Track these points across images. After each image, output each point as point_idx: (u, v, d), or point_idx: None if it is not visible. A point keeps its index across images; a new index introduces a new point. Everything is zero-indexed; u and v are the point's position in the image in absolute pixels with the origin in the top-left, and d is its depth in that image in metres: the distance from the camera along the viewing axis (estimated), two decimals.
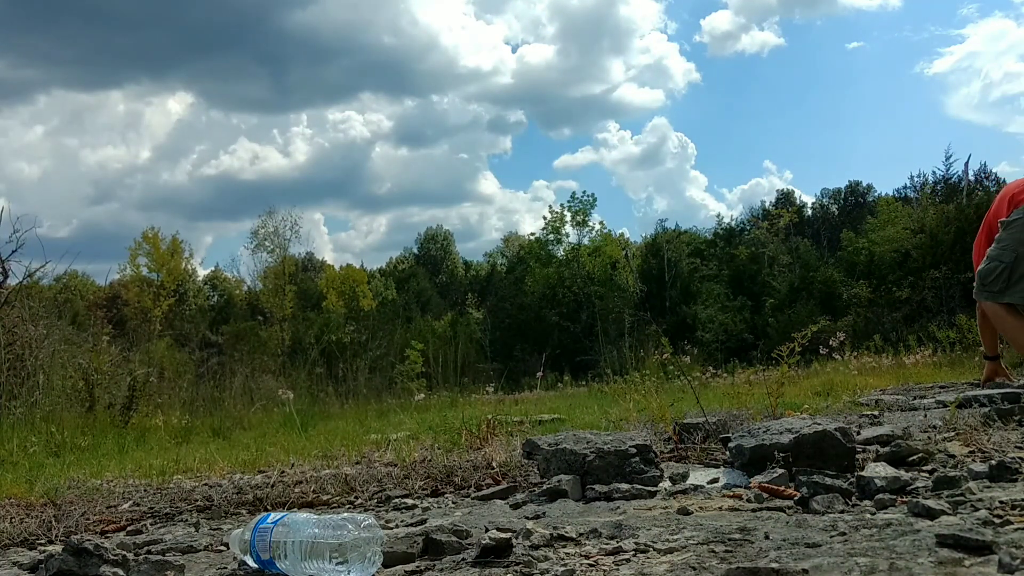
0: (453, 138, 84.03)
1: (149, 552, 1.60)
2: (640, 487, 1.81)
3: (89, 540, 1.36)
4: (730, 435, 2.20)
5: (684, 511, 1.55)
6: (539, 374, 9.31)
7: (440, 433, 3.89)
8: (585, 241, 41.36)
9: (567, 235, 41.98)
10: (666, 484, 1.91)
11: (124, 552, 1.39)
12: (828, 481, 1.58)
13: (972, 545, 1.05)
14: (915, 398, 4.41)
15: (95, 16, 70.97)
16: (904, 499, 1.44)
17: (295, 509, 2.09)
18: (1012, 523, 1.19)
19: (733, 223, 46.58)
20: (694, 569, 1.10)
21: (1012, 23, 73.29)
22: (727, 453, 2.11)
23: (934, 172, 39.28)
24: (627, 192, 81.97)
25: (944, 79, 79.42)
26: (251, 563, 1.37)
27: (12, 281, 7.95)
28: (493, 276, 50.29)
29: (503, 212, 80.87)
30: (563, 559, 1.23)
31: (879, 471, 1.60)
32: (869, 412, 3.83)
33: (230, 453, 4.06)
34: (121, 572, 1.31)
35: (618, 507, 1.69)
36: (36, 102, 74.86)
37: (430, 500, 2.11)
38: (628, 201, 79.54)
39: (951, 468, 1.75)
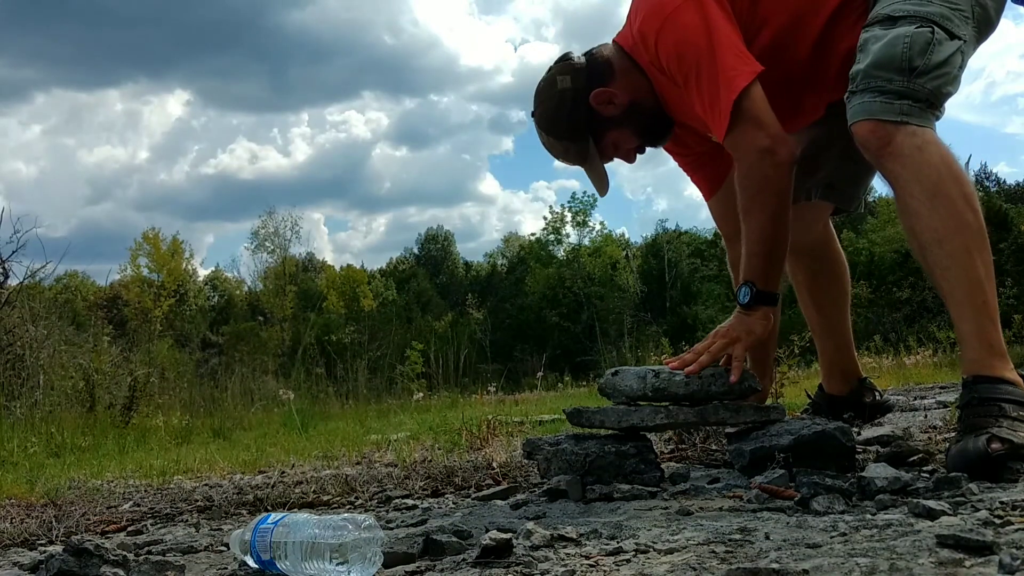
0: (454, 138, 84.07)
1: (149, 552, 1.60)
2: (640, 487, 1.81)
3: (89, 540, 1.36)
4: (730, 436, 2.19)
5: (684, 511, 1.55)
6: (539, 374, 9.31)
7: (440, 433, 3.88)
8: (585, 241, 41.41)
9: (567, 235, 42.03)
10: (666, 484, 1.91)
11: (124, 552, 1.39)
12: (828, 481, 1.58)
13: (972, 546, 1.05)
14: (915, 398, 4.41)
15: (93, 15, 71.11)
16: (905, 499, 1.44)
17: (295, 509, 2.09)
18: (1013, 523, 1.19)
19: None
20: (694, 569, 1.10)
21: (1010, 23, 73.30)
22: (727, 454, 2.11)
23: None
24: (627, 192, 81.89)
25: None
26: (251, 563, 1.37)
27: (13, 281, 7.95)
28: (493, 276, 50.28)
29: (504, 212, 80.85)
30: (563, 559, 1.23)
31: (879, 471, 1.60)
32: None
33: (230, 453, 4.06)
34: (121, 572, 1.31)
35: (618, 507, 1.69)
36: (34, 101, 75.01)
37: (430, 500, 2.11)
38: (628, 201, 79.47)
39: None
